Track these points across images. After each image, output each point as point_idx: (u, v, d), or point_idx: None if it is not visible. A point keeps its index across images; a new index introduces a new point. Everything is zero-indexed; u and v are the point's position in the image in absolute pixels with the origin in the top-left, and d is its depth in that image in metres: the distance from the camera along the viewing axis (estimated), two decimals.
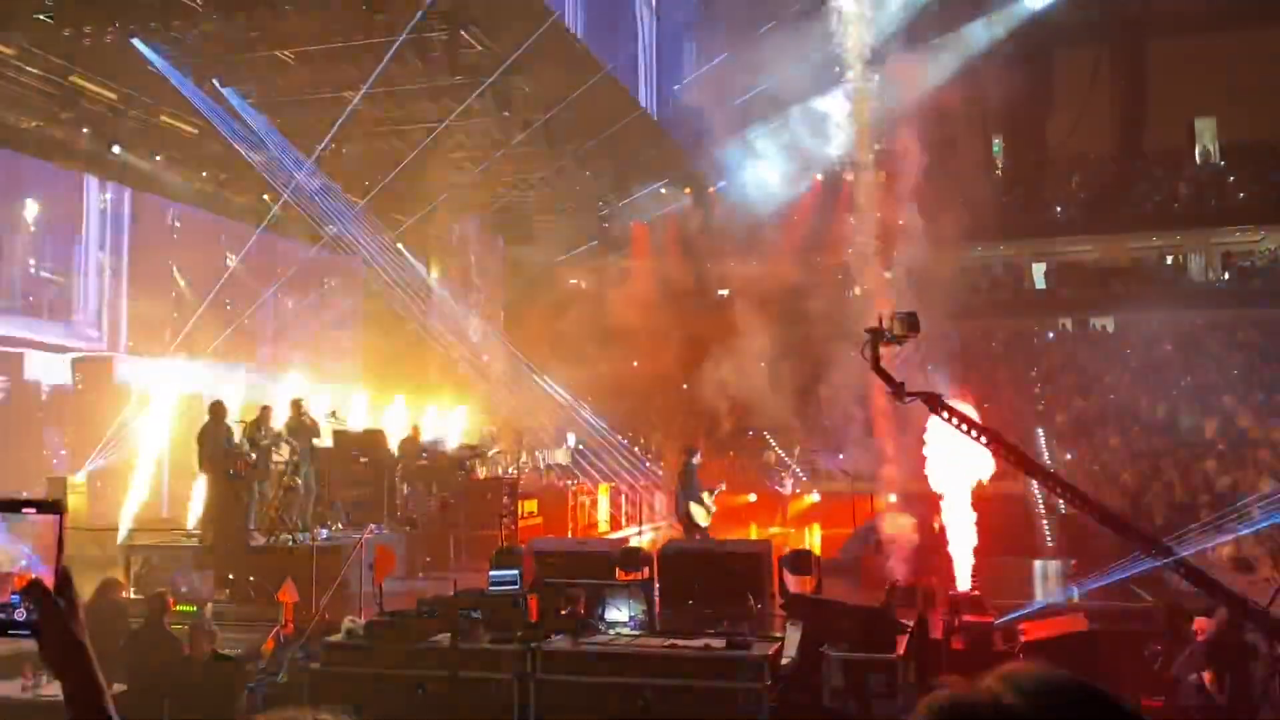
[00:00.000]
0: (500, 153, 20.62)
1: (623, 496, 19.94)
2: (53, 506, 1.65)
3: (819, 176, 25.03)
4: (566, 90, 18.14)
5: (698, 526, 14.46)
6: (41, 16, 14.73)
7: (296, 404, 15.23)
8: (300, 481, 14.54)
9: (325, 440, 15.47)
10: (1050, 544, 16.61)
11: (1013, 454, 9.83)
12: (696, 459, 15.01)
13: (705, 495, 14.59)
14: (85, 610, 1.68)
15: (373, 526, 13.83)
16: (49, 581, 1.61)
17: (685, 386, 24.66)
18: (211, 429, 13.85)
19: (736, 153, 23.12)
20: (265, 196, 20.54)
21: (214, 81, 17.18)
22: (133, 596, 11.27)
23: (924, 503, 15.48)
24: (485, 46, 16.64)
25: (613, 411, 23.22)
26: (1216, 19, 26.00)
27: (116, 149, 18.33)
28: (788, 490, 19.77)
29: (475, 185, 22.88)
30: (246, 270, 21.49)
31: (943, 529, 13.38)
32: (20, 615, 1.60)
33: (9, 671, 8.07)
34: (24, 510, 1.64)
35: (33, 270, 19.73)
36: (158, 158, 19.52)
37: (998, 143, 29.98)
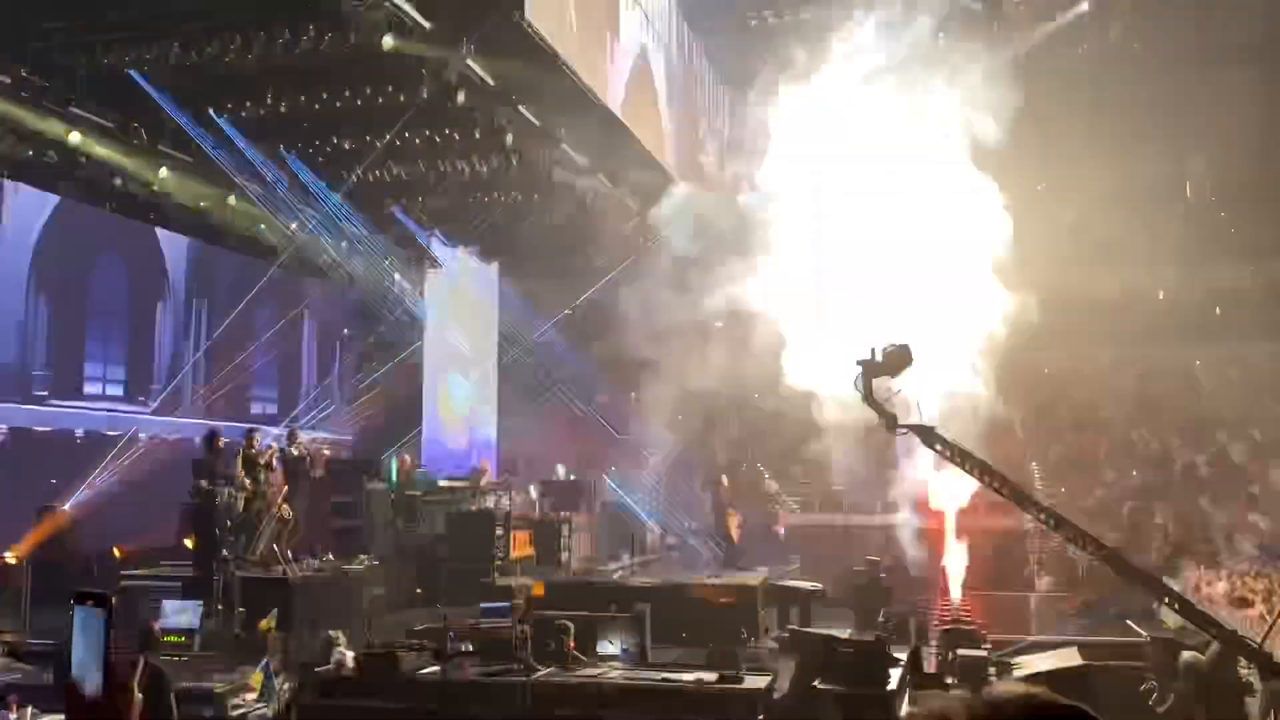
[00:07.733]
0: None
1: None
2: (101, 599, 1.67)
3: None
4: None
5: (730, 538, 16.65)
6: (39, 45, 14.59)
7: (291, 434, 15.18)
8: (291, 512, 14.44)
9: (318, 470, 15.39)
10: (1045, 578, 16.53)
11: (1006, 487, 9.81)
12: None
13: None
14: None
15: (362, 557, 13.73)
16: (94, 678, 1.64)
17: (680, 418, 24.65)
18: (208, 459, 13.79)
19: None
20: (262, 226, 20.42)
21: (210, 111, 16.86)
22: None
23: (924, 535, 15.44)
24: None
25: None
26: (1208, 56, 26.19)
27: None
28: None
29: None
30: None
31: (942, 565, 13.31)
32: None
33: None
34: (85, 602, 1.69)
35: None
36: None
37: None
